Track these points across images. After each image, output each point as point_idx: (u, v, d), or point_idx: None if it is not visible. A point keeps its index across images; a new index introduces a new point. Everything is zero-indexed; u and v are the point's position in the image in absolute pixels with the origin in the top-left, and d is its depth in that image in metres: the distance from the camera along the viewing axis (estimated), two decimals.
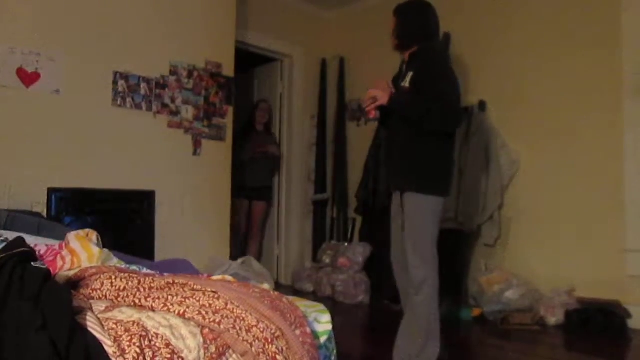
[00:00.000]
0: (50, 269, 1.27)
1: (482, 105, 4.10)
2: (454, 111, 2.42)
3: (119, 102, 3.56)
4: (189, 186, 3.87)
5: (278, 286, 4.66)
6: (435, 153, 2.49)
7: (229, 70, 4.17)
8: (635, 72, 3.46)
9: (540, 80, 3.90)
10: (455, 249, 3.97)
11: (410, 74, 2.51)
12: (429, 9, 2.60)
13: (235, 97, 4.26)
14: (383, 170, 4.37)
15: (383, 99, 2.44)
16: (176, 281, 1.34)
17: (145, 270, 1.69)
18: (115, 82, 3.54)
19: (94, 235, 1.90)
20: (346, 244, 4.76)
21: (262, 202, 5.09)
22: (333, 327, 1.58)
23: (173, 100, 3.83)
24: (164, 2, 3.79)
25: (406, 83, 2.52)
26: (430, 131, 2.44)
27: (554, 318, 3.45)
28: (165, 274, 1.60)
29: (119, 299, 1.28)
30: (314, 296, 4.43)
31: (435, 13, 2.61)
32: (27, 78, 3.16)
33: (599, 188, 3.59)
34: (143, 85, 3.67)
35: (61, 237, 2.55)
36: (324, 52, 5.42)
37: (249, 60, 5.12)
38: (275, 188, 5.31)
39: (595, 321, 3.25)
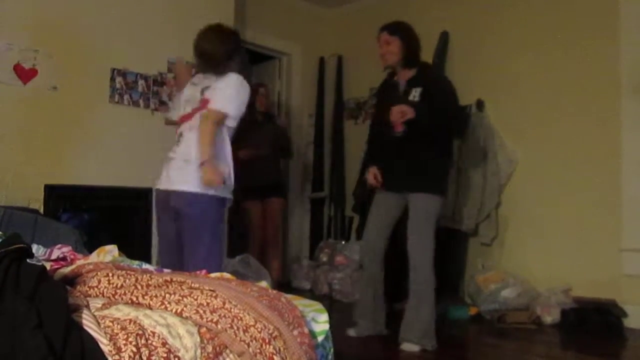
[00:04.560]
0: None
1: (480, 104, 4.09)
2: (465, 118, 2.95)
3: (116, 99, 3.54)
4: None
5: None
6: (441, 157, 2.92)
7: None
8: (633, 70, 3.46)
9: (538, 79, 3.90)
10: (452, 248, 3.97)
11: (419, 89, 2.85)
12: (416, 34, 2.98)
13: None
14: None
15: (411, 113, 2.71)
16: (174, 279, 1.34)
17: (144, 267, 1.69)
18: (112, 79, 3.53)
19: (115, 248, 1.92)
20: (343, 242, 4.75)
21: (277, 198, 4.37)
22: (330, 326, 1.58)
23: (171, 98, 3.82)
24: None
25: (415, 97, 2.84)
26: (443, 137, 2.91)
27: (551, 317, 3.45)
28: (164, 270, 1.59)
29: (116, 297, 1.27)
30: (311, 294, 4.42)
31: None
32: (25, 74, 3.14)
33: (595, 187, 3.59)
34: (141, 82, 3.66)
35: (57, 233, 2.55)
36: (322, 51, 5.41)
37: (247, 58, 5.11)
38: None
39: (591, 320, 3.26)
